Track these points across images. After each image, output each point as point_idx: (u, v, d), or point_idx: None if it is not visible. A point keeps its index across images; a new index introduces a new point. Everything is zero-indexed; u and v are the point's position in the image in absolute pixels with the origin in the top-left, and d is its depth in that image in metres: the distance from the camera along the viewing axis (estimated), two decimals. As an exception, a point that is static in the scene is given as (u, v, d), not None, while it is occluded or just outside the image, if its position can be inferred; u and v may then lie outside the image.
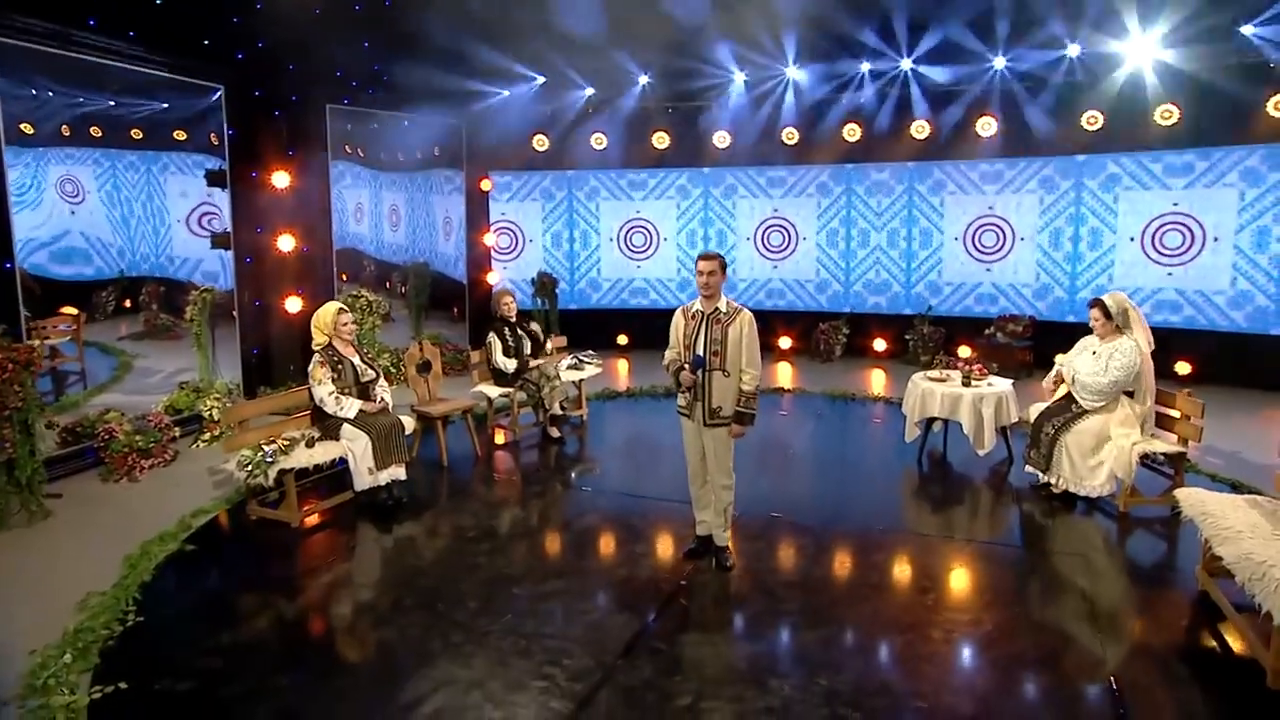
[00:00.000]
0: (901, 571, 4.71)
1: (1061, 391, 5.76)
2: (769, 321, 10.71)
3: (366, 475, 5.60)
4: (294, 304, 8.27)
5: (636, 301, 11.53)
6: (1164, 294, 8.91)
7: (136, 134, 10.65)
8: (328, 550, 5.18)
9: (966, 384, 6.27)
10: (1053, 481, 5.61)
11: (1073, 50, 8.17)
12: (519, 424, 7.32)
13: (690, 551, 4.86)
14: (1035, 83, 8.75)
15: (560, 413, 7.29)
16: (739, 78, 9.68)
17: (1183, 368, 8.48)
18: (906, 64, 8.86)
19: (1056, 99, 8.81)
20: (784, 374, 9.89)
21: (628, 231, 11.41)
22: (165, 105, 10.22)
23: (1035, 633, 4.02)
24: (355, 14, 8.40)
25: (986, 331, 9.39)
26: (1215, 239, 8.62)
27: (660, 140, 10.66)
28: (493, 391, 7.16)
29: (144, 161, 10.50)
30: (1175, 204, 8.78)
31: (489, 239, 11.07)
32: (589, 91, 10.41)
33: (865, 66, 9.14)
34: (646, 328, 11.28)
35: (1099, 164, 9.16)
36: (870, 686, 3.55)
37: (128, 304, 10.60)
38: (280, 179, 8.01)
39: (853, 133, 9.83)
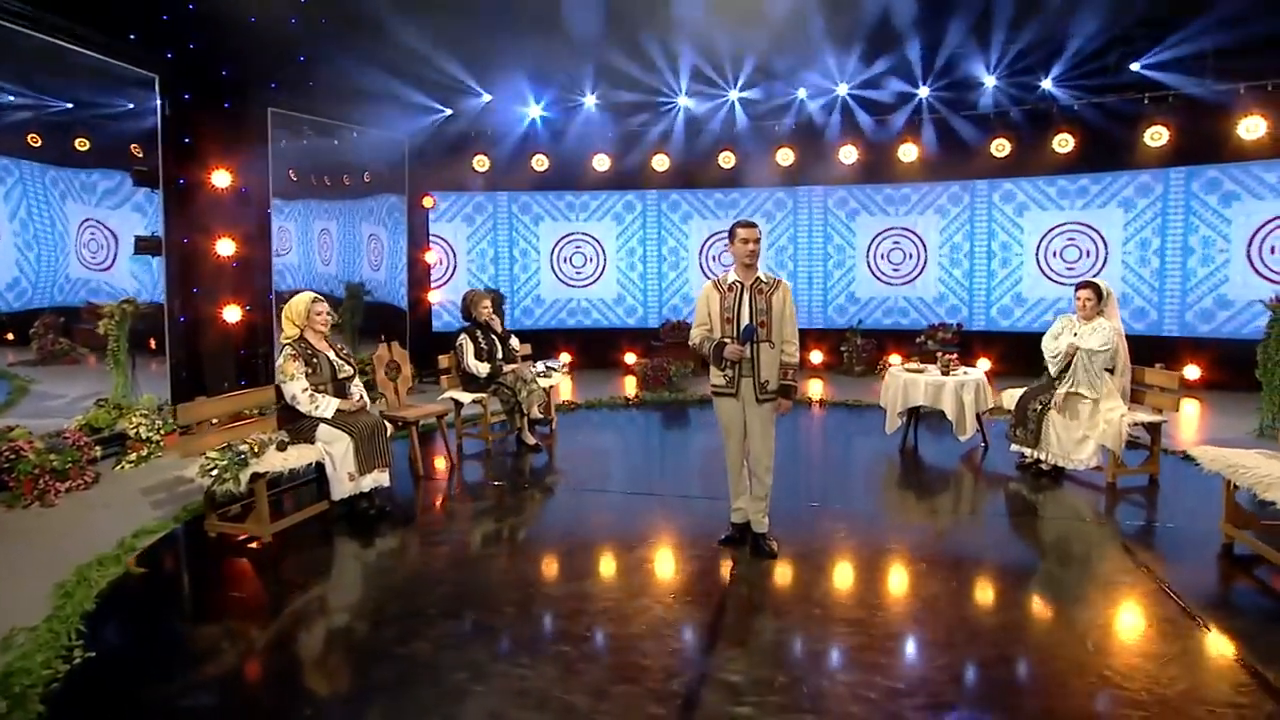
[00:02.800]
0: (947, 547, 4.26)
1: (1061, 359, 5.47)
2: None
3: (347, 482, 4.64)
4: (232, 313, 7.08)
5: (577, 321, 10.86)
6: (1062, 302, 9.21)
7: (35, 140, 9.13)
8: (312, 564, 4.16)
9: (946, 373, 6.03)
10: (1042, 458, 5.39)
11: (989, 81, 8.38)
12: (491, 431, 6.46)
13: (725, 540, 4.23)
14: (954, 111, 8.92)
15: (540, 417, 6.50)
16: (683, 100, 9.37)
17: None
18: (843, 89, 8.83)
19: (973, 127, 9.01)
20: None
21: (569, 253, 10.79)
22: (70, 105, 8.77)
23: (1106, 592, 3.66)
24: (298, 18, 7.47)
25: (918, 340, 9.37)
26: (1106, 253, 8.99)
27: (601, 162, 10.15)
28: (465, 397, 6.28)
29: (38, 176, 9.00)
30: (1074, 222, 9.13)
31: (430, 257, 10.13)
32: (533, 111, 9.80)
33: (802, 92, 9.06)
34: (589, 346, 10.64)
35: (1007, 187, 9.44)
36: (986, 659, 3.03)
37: (10, 337, 9.00)
38: (220, 179, 6.89)
39: (786, 157, 9.71)
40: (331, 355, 4.95)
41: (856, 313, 10.19)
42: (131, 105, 8.22)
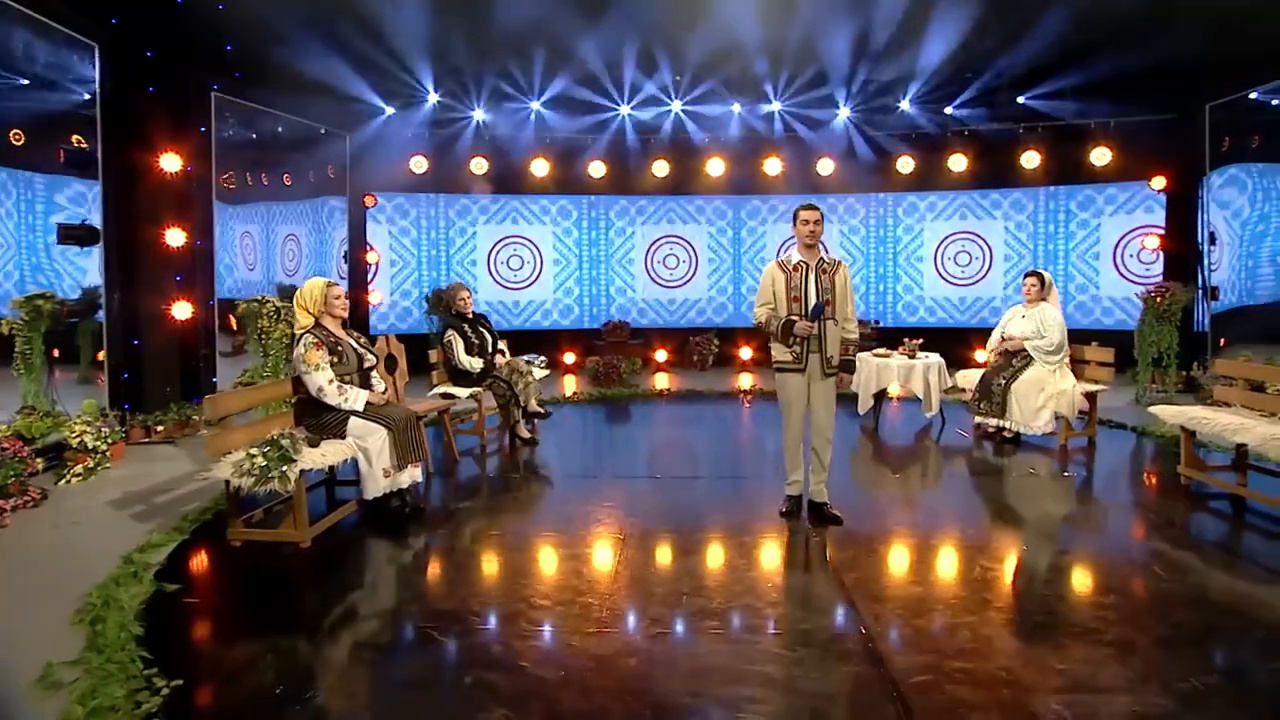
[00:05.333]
0: (977, 501, 4.42)
1: (994, 346, 5.98)
2: (647, 338, 10.23)
3: (382, 479, 4.07)
4: (181, 310, 6.08)
5: (514, 322, 10.34)
6: (958, 300, 9.99)
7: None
8: (371, 567, 3.62)
9: (912, 356, 6.31)
10: (1006, 426, 5.75)
11: (904, 106, 8.94)
12: (485, 426, 5.96)
13: (786, 513, 4.13)
14: (869, 131, 9.42)
15: (538, 410, 6.08)
16: (625, 109, 9.24)
17: (982, 354, 9.43)
18: (776, 106, 9.07)
19: (881, 145, 9.56)
20: (712, 381, 9.40)
21: (506, 255, 10.27)
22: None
23: (1126, 528, 3.93)
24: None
25: (841, 333, 9.76)
26: (992, 258, 9.86)
27: (540, 167, 9.76)
28: (461, 393, 5.74)
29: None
30: (965, 231, 9.94)
31: (370, 258, 9.28)
32: (478, 114, 9.27)
33: (736, 108, 9.21)
34: (525, 347, 10.07)
35: (909, 199, 10.10)
36: (1087, 588, 3.14)
37: None
38: (161, 164, 5.90)
39: (717, 167, 9.83)
40: (353, 343, 4.34)
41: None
42: (25, 81, 6.87)
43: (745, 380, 9.41)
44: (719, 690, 2.39)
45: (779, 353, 4.02)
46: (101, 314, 5.92)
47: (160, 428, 6.03)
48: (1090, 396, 5.76)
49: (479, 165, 9.65)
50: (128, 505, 4.42)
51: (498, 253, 10.27)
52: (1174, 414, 4.60)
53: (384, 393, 4.40)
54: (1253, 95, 7.75)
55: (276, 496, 3.94)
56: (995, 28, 6.94)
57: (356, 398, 4.12)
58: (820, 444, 4.05)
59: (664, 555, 3.65)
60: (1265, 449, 3.93)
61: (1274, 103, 7.74)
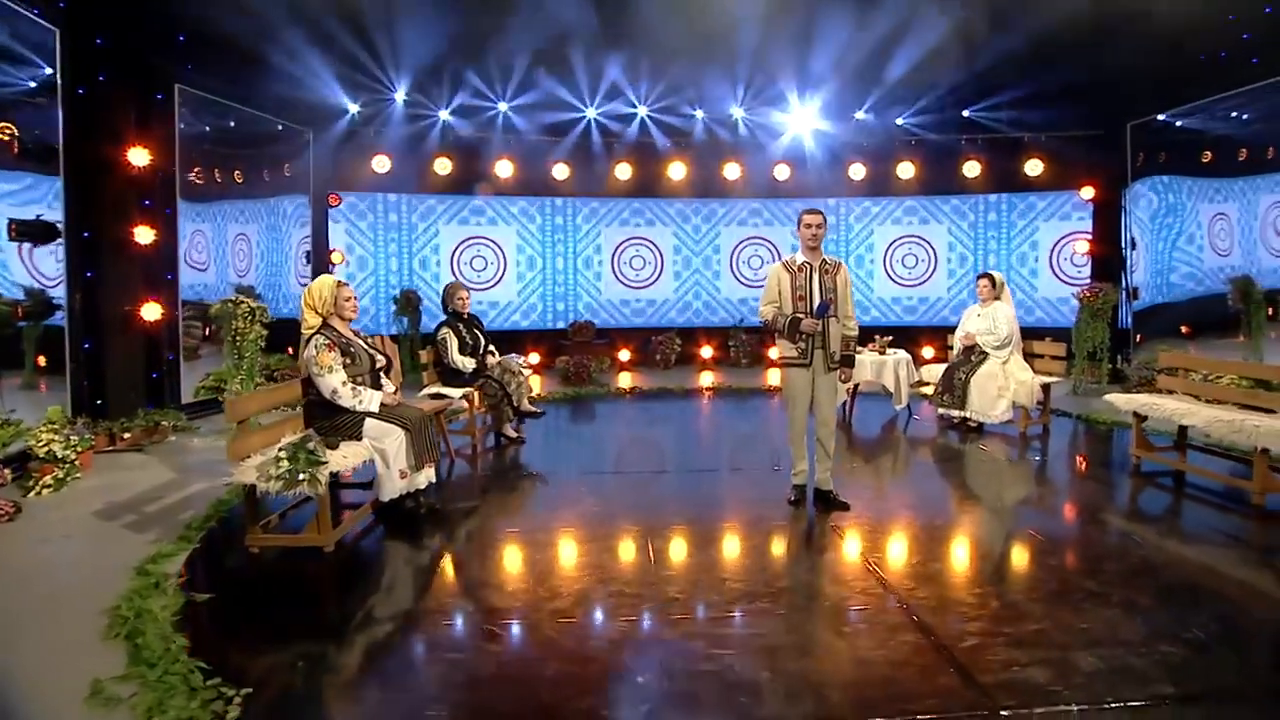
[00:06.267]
0: (958, 482, 4.72)
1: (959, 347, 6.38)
2: (611, 338, 10.28)
3: (398, 480, 3.99)
4: (152, 311, 5.74)
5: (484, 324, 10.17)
6: (902, 299, 10.52)
7: None
8: (403, 570, 3.55)
9: (882, 353, 6.62)
10: (969, 416, 6.13)
11: (860, 115, 9.35)
12: (477, 427, 5.89)
13: (794, 501, 4.29)
14: (824, 138, 9.79)
15: (532, 410, 6.04)
16: (591, 113, 9.28)
17: (928, 351, 9.96)
18: (739, 112, 9.30)
19: (832, 154, 9.94)
20: (687, 379, 9.49)
21: (469, 256, 10.12)
22: None
23: (1082, 502, 4.29)
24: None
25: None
26: (937, 261, 10.41)
27: (504, 168, 9.67)
28: (454, 393, 5.66)
29: None
30: (912, 235, 10.45)
31: (335, 258, 8.97)
32: (444, 115, 9.10)
33: (699, 113, 9.40)
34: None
35: (861, 204, 10.53)
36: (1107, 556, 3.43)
37: None
38: (122, 159, 5.56)
39: (679, 170, 10.00)
40: (364, 344, 4.24)
41: (735, 310, 10.69)
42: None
43: (707, 378, 9.60)
44: (791, 665, 2.51)
45: (785, 349, 4.19)
46: (61, 316, 5.52)
47: (127, 435, 5.68)
48: (1045, 387, 6.21)
49: (443, 165, 9.48)
50: (116, 516, 4.16)
51: (461, 253, 10.11)
52: (1126, 401, 5.04)
53: (394, 393, 4.31)
54: (1160, 117, 8.52)
55: (291, 501, 3.80)
56: (948, 48, 7.38)
57: (371, 399, 4.03)
58: (825, 435, 4.23)
59: (693, 545, 3.74)
60: (1210, 429, 4.37)
61: (1178, 124, 8.53)
